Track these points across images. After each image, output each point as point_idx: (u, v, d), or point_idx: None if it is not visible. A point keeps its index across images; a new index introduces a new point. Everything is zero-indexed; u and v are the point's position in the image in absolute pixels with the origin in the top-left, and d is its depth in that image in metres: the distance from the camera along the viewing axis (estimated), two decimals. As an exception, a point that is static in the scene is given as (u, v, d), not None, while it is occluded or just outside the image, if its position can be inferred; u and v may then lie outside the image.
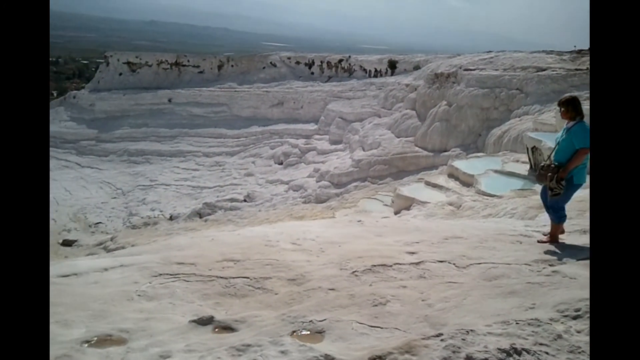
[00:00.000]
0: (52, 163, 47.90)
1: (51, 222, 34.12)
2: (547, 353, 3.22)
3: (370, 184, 29.69)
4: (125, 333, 3.56)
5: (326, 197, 29.58)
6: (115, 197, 40.95)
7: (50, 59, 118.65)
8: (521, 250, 5.71)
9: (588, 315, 3.55)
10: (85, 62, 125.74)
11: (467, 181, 16.71)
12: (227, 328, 3.71)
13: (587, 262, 4.57)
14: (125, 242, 22.77)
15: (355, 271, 4.94)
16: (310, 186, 33.15)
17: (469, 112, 29.11)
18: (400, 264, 5.17)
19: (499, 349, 3.20)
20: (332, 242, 6.16)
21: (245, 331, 3.62)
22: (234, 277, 4.81)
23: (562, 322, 3.60)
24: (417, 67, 44.90)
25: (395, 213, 17.09)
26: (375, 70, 51.22)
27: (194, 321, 3.75)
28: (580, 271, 4.70)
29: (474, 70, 31.26)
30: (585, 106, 5.80)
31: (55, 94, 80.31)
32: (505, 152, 20.14)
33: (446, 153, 28.60)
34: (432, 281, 4.70)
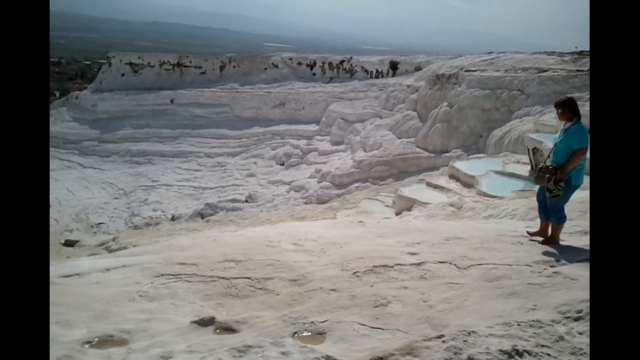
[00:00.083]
0: (55, 163, 47.98)
1: (53, 223, 34.14)
2: (548, 355, 3.22)
3: (371, 184, 29.67)
4: (126, 334, 3.57)
5: (327, 197, 29.57)
6: (117, 198, 40.98)
7: (53, 59, 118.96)
8: (522, 251, 5.71)
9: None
10: (87, 62, 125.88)
11: (468, 182, 16.70)
12: (229, 329, 3.71)
13: (588, 263, 4.57)
14: (127, 243, 22.78)
15: (356, 272, 4.94)
16: (312, 187, 33.14)
17: (470, 113, 29.09)
18: (401, 264, 5.17)
19: (500, 350, 3.19)
20: (334, 243, 6.16)
21: (246, 332, 3.62)
22: (235, 278, 4.81)
23: (563, 324, 3.59)
24: (418, 68, 44.87)
25: (397, 214, 17.08)
26: (377, 71, 51.22)
27: (195, 322, 3.75)
28: (581, 272, 4.70)
29: (475, 71, 31.24)
30: (587, 107, 5.81)
31: (57, 95, 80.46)
32: (506, 153, 20.12)
33: (447, 154, 28.58)
34: (433, 282, 4.70)
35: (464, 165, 18.55)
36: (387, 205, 19.80)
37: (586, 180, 5.86)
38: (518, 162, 17.22)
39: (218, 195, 37.62)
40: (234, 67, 58.65)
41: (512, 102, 27.45)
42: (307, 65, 55.68)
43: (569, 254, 5.50)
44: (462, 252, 5.62)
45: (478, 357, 3.13)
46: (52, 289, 4.41)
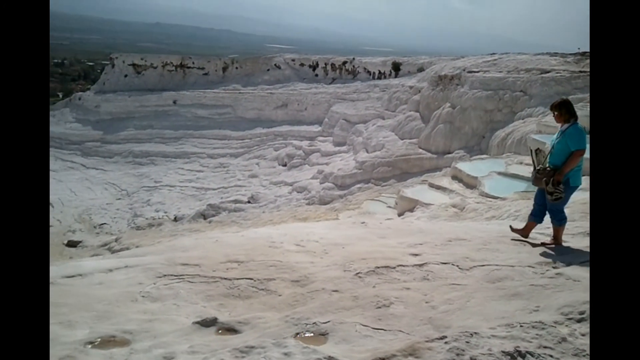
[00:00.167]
0: (57, 164, 48.08)
1: (56, 223, 34.21)
2: (551, 356, 3.21)
3: (373, 185, 29.65)
4: (128, 334, 3.57)
5: (330, 198, 29.56)
6: (120, 198, 41.03)
7: (56, 60, 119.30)
8: (524, 252, 5.70)
9: (592, 318, 3.54)
10: (90, 63, 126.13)
11: (471, 183, 16.68)
12: (231, 330, 3.72)
13: (591, 264, 4.56)
14: (130, 243, 22.81)
15: (358, 273, 4.94)
16: (314, 188, 33.13)
17: (472, 114, 29.05)
18: (403, 265, 5.17)
19: (503, 351, 3.19)
20: (336, 244, 6.16)
21: (248, 333, 3.62)
22: (237, 279, 4.81)
23: (566, 325, 3.59)
24: (421, 69, 44.85)
25: (399, 215, 17.07)
26: (379, 72, 51.21)
27: (197, 322, 3.75)
28: (583, 273, 4.69)
29: (477, 72, 31.20)
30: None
31: (60, 96, 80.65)
32: (508, 154, 20.09)
33: (450, 155, 28.55)
34: (435, 283, 4.70)
35: (467, 166, 18.52)
36: (389, 206, 19.78)
37: (587, 180, 5.87)
38: (521, 163, 17.19)
39: (220, 196, 37.63)
40: (237, 68, 58.69)
41: (514, 103, 27.41)
42: (310, 66, 55.69)
43: (572, 256, 5.49)
44: (464, 253, 5.61)
45: (480, 359, 3.13)
46: (55, 290, 4.43)
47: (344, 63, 53.94)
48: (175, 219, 32.89)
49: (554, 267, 5.09)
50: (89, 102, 58.92)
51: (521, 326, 3.53)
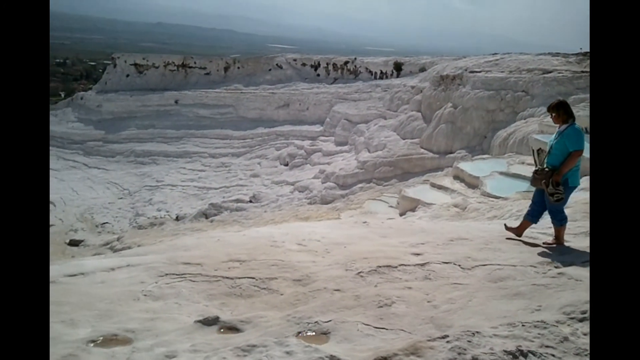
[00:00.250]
0: (60, 163, 48.16)
1: (58, 222, 34.27)
2: (553, 355, 3.21)
3: (375, 185, 29.64)
4: (130, 333, 3.57)
5: (331, 198, 29.56)
6: (121, 198, 41.07)
7: (58, 60, 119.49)
8: (526, 252, 5.70)
9: (594, 317, 3.53)
10: (92, 63, 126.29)
11: (473, 183, 16.68)
12: (233, 328, 3.72)
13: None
14: (132, 242, 22.82)
15: (360, 272, 4.94)
16: (316, 187, 33.13)
17: (474, 114, 29.03)
18: (405, 265, 5.17)
19: (504, 351, 3.19)
20: (338, 243, 6.16)
21: (250, 332, 3.62)
22: (239, 278, 4.82)
23: (568, 325, 3.58)
24: (422, 69, 44.82)
25: (401, 214, 17.06)
26: (381, 72, 51.18)
27: (199, 321, 3.75)
28: (585, 273, 4.68)
29: (479, 72, 31.17)
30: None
31: (62, 95, 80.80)
32: (510, 154, 20.08)
33: (451, 155, 28.53)
34: (437, 282, 4.70)
35: (469, 166, 18.52)
36: (391, 206, 19.79)
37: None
38: (522, 163, 17.18)
39: (222, 196, 37.65)
40: (239, 68, 58.72)
41: (516, 103, 27.39)
42: (312, 66, 55.69)
43: (574, 255, 5.48)
44: (466, 253, 5.61)
45: (482, 358, 3.12)
46: (57, 288, 4.43)
47: (346, 63, 53.93)
48: (177, 218, 32.92)
49: (555, 267, 5.09)
50: (91, 102, 58.99)
51: (523, 325, 3.53)
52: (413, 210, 16.59)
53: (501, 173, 16.43)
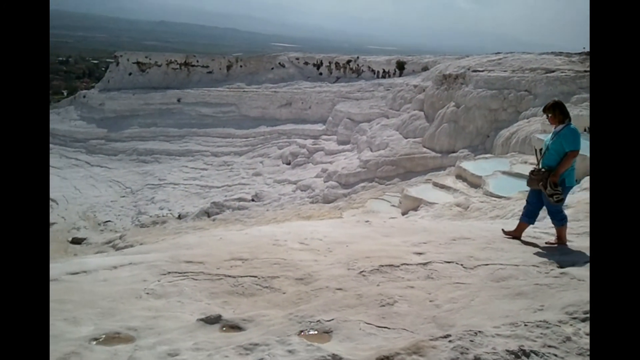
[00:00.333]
0: (62, 162, 48.29)
1: (61, 220, 34.35)
2: (555, 355, 3.20)
3: (377, 184, 29.64)
4: (133, 331, 3.58)
5: (334, 197, 29.57)
6: (124, 196, 41.15)
7: (61, 58, 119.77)
8: (529, 252, 5.69)
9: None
10: (95, 61, 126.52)
11: (475, 182, 16.67)
12: (235, 327, 3.72)
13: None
14: (134, 241, 22.88)
15: (362, 271, 4.94)
16: (318, 186, 33.14)
17: (477, 114, 29.00)
18: (407, 264, 5.17)
19: (507, 350, 3.18)
20: (340, 242, 6.16)
21: (252, 330, 3.62)
22: (242, 276, 4.82)
23: (570, 324, 3.58)
24: (425, 68, 44.80)
25: (403, 214, 17.06)
26: (384, 71, 51.15)
27: (202, 320, 3.76)
28: (588, 273, 4.68)
29: (482, 71, 31.14)
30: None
31: (65, 93, 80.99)
32: (513, 154, 20.07)
33: (454, 154, 28.51)
34: (439, 282, 4.69)
35: (471, 166, 18.52)
36: (393, 205, 19.79)
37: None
38: (525, 162, 17.16)
39: (224, 194, 37.70)
40: (241, 66, 58.76)
41: (519, 103, 27.37)
42: (314, 65, 55.70)
43: (576, 255, 5.48)
44: (468, 252, 5.60)
45: (485, 357, 3.12)
46: (60, 286, 4.44)
47: (348, 62, 53.91)
48: (179, 217, 32.97)
49: (558, 267, 5.08)
50: (93, 100, 59.09)
51: (525, 325, 3.53)
52: (415, 209, 16.59)
53: (504, 172, 16.43)
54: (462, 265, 5.15)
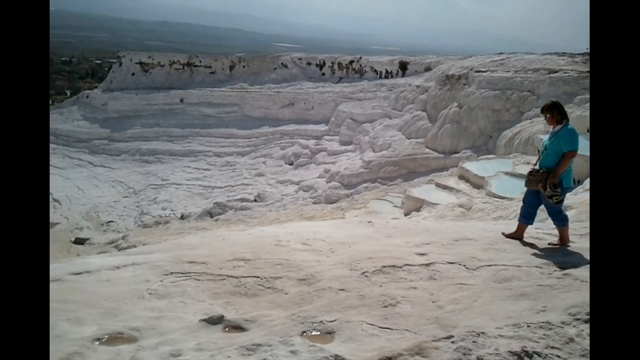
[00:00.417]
0: (65, 162, 48.38)
1: (64, 220, 34.40)
2: (558, 356, 3.20)
3: (380, 185, 29.61)
4: (136, 331, 3.59)
5: (336, 197, 29.55)
6: (127, 196, 41.19)
7: (64, 58, 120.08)
8: (531, 253, 5.68)
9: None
10: (98, 62, 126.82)
11: (478, 183, 16.65)
12: (238, 327, 3.72)
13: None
14: (137, 241, 22.89)
15: (365, 272, 4.94)
16: (321, 187, 33.12)
17: (479, 114, 28.94)
18: (410, 265, 5.16)
19: (510, 351, 3.18)
20: (342, 243, 6.16)
21: (255, 331, 3.63)
22: (244, 277, 4.82)
23: (573, 326, 3.57)
24: (428, 69, 44.73)
25: (405, 214, 17.06)
26: (386, 71, 51.11)
27: (204, 320, 3.76)
28: (592, 274, 4.67)
29: (485, 72, 31.07)
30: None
31: (68, 94, 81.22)
32: (516, 154, 20.04)
33: (457, 155, 28.46)
34: (442, 283, 4.69)
35: (474, 166, 18.50)
36: (395, 206, 19.78)
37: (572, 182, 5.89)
38: (528, 163, 17.12)
39: (227, 195, 37.70)
40: (244, 66, 58.77)
41: (522, 103, 27.30)
42: (317, 65, 55.68)
43: (579, 256, 5.47)
44: (471, 253, 5.60)
45: (487, 358, 3.12)
46: (63, 287, 4.45)
47: (351, 62, 53.88)
48: (182, 217, 32.98)
49: (561, 268, 5.07)
50: (96, 100, 59.18)
51: (528, 326, 3.52)
52: (418, 210, 16.58)
53: (506, 173, 16.41)
54: (464, 266, 5.15)
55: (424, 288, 4.51)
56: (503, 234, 6.52)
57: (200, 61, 60.69)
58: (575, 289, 4.33)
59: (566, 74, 26.78)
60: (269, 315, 3.88)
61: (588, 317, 3.66)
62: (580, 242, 6.12)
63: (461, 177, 18.29)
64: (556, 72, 27.52)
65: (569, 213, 6.74)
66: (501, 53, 36.53)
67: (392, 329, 3.63)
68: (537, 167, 6.03)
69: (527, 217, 6.24)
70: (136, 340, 3.47)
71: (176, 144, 50.54)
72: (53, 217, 34.33)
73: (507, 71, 30.09)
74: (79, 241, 29.40)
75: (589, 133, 9.76)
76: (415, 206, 17.00)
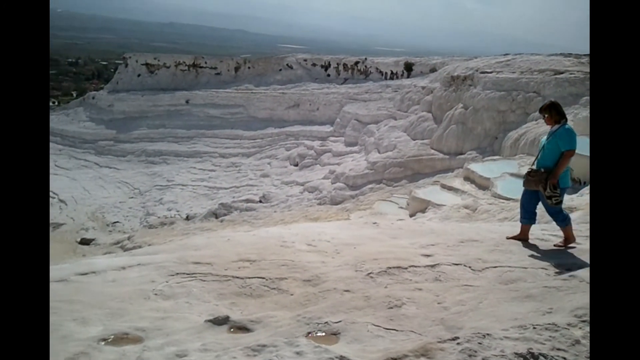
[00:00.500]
0: (71, 163, 48.58)
1: (69, 221, 34.54)
2: (564, 358, 3.19)
3: (385, 186, 29.58)
4: (141, 332, 3.60)
5: (341, 198, 29.53)
6: (132, 197, 41.30)
7: (70, 59, 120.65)
8: (537, 254, 5.67)
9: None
10: (104, 63, 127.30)
11: (483, 184, 16.61)
12: (243, 328, 3.73)
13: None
14: (142, 242, 22.95)
15: (370, 273, 4.94)
16: (326, 188, 33.12)
17: (485, 115, 28.86)
18: (415, 266, 5.16)
19: (515, 353, 3.17)
20: (347, 244, 6.16)
21: (260, 331, 3.63)
22: (249, 278, 4.83)
23: (579, 327, 3.56)
24: (433, 70, 44.64)
25: (411, 215, 17.03)
26: (392, 72, 51.03)
27: (209, 321, 3.77)
28: (598, 276, 4.65)
29: (490, 72, 30.99)
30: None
31: (74, 95, 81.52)
32: (521, 155, 19.96)
33: (462, 156, 28.39)
34: (447, 284, 4.68)
35: (479, 167, 18.45)
36: (401, 207, 19.74)
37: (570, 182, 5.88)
38: (533, 164, 17.07)
39: (232, 196, 37.75)
40: (249, 68, 58.82)
41: (528, 104, 27.20)
42: (322, 66, 55.66)
43: (585, 257, 5.44)
44: (476, 255, 5.59)
45: (493, 360, 3.11)
46: (69, 287, 4.47)
47: (356, 63, 53.85)
48: (187, 218, 33.05)
49: (566, 269, 5.05)
50: (102, 101, 59.37)
51: (534, 328, 3.51)
52: (423, 211, 16.55)
53: (512, 174, 16.35)
54: (470, 267, 5.14)
55: (429, 289, 4.50)
56: (507, 237, 6.48)
57: (205, 62, 60.78)
58: (581, 291, 4.31)
59: (572, 75, 26.67)
60: (275, 316, 3.89)
61: (594, 318, 3.65)
62: (586, 243, 6.09)
63: (466, 179, 18.25)
64: (562, 73, 27.40)
65: (575, 214, 6.73)
66: (507, 54, 36.41)
67: (397, 330, 3.62)
68: (534, 167, 6.03)
69: (527, 217, 6.22)
70: (142, 340, 3.48)
71: (182, 145, 50.64)
72: (59, 218, 34.49)
73: (513, 72, 29.99)
74: (85, 242, 29.49)
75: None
76: (420, 207, 16.97)
